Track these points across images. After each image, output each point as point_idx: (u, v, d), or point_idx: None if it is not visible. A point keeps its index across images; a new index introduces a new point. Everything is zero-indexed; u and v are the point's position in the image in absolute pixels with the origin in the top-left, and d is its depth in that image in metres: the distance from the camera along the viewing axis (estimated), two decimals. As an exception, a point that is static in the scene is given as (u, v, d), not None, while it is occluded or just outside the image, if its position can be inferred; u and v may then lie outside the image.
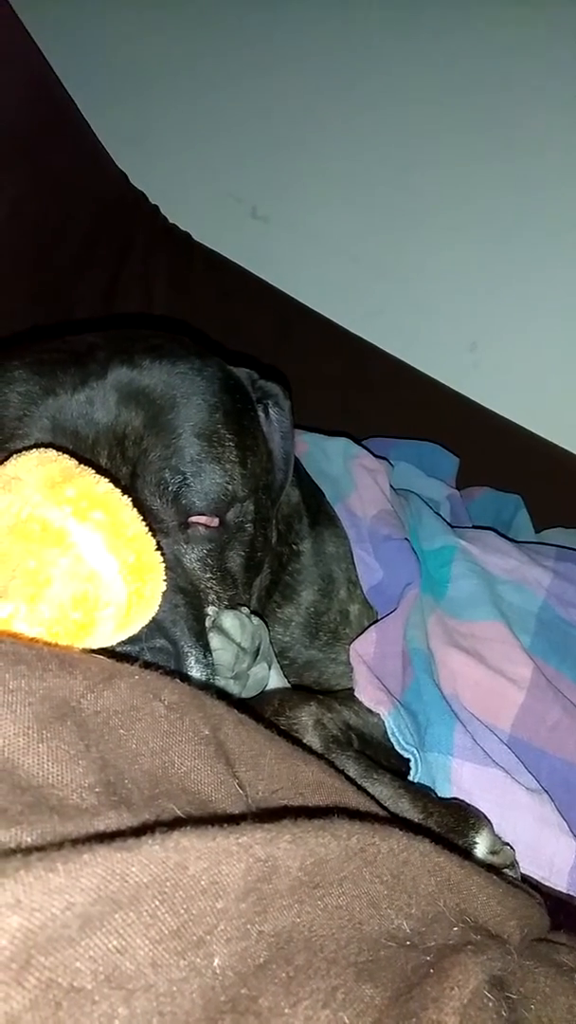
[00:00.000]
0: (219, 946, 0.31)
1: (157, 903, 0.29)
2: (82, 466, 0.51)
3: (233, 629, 0.66)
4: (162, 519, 0.64)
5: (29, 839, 0.31)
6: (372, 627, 0.80)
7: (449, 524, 1.02)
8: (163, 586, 0.52)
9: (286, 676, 0.78)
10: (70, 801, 0.34)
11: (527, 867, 0.67)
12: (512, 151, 1.39)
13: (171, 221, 1.51)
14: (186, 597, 0.63)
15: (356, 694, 0.74)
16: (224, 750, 0.44)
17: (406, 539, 0.90)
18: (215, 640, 0.64)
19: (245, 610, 0.69)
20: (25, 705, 0.37)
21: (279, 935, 0.33)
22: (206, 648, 0.62)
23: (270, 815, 0.41)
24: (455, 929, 0.41)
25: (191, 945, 0.30)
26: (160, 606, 0.53)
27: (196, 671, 0.60)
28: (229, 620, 0.66)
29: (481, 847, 0.64)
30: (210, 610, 0.66)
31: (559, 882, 0.67)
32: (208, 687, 0.60)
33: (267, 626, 0.75)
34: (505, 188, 1.40)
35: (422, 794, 0.67)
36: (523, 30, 1.35)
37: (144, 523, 0.51)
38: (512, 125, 1.39)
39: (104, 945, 0.27)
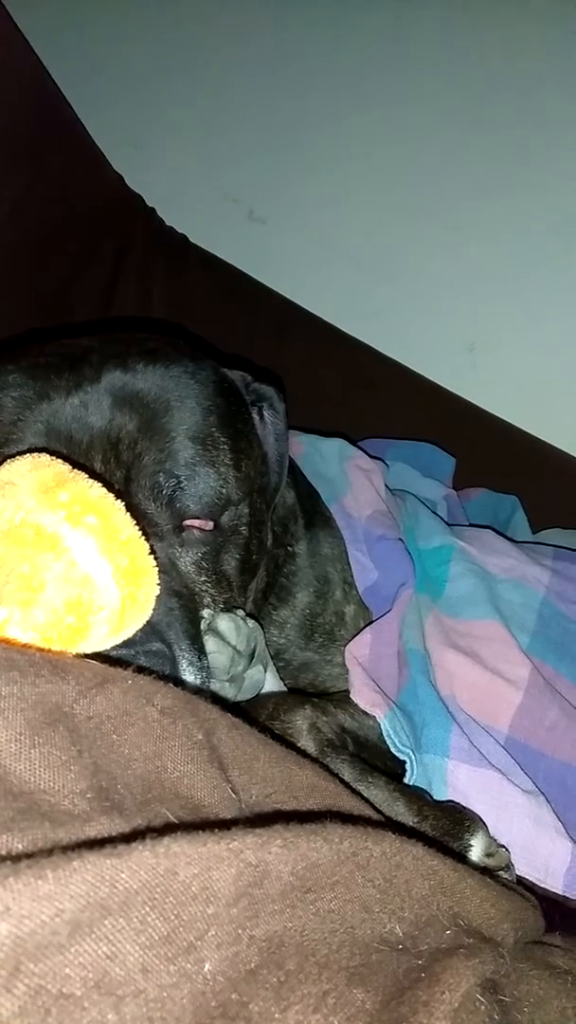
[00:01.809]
0: (210, 951, 0.31)
1: (147, 909, 0.29)
2: (75, 470, 0.51)
3: (228, 632, 0.66)
4: (156, 523, 0.64)
5: (20, 845, 0.31)
6: (367, 628, 0.81)
7: (447, 523, 1.02)
8: (157, 590, 0.52)
9: (281, 678, 0.78)
10: (62, 807, 0.34)
11: (522, 869, 0.67)
12: (510, 152, 1.39)
13: (168, 223, 1.51)
14: (181, 600, 0.63)
15: (351, 696, 0.75)
16: (217, 754, 0.44)
17: (400, 539, 0.90)
18: (210, 643, 0.64)
19: (240, 613, 0.69)
20: (17, 711, 0.37)
21: (270, 940, 0.33)
22: (201, 651, 0.62)
23: (263, 819, 0.41)
24: (448, 932, 0.41)
25: (181, 951, 0.30)
26: (155, 610, 0.53)
27: (191, 674, 0.60)
28: (224, 623, 0.66)
29: (476, 850, 0.64)
30: (205, 613, 0.66)
31: (554, 884, 0.67)
32: (203, 691, 0.60)
33: (262, 628, 0.75)
34: (503, 190, 1.41)
35: (417, 797, 0.67)
36: (522, 31, 1.35)
37: (138, 527, 0.51)
38: (509, 127, 1.39)
39: (94, 951, 0.27)
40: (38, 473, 0.50)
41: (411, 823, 0.64)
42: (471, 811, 0.68)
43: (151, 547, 0.52)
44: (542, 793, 0.72)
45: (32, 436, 0.62)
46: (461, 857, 0.62)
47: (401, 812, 0.65)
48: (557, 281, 1.39)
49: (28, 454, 0.53)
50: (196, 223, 1.52)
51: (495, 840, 0.66)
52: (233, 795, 0.42)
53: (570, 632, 0.89)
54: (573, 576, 0.96)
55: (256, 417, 0.78)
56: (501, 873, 0.64)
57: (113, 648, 0.52)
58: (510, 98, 1.38)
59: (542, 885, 0.67)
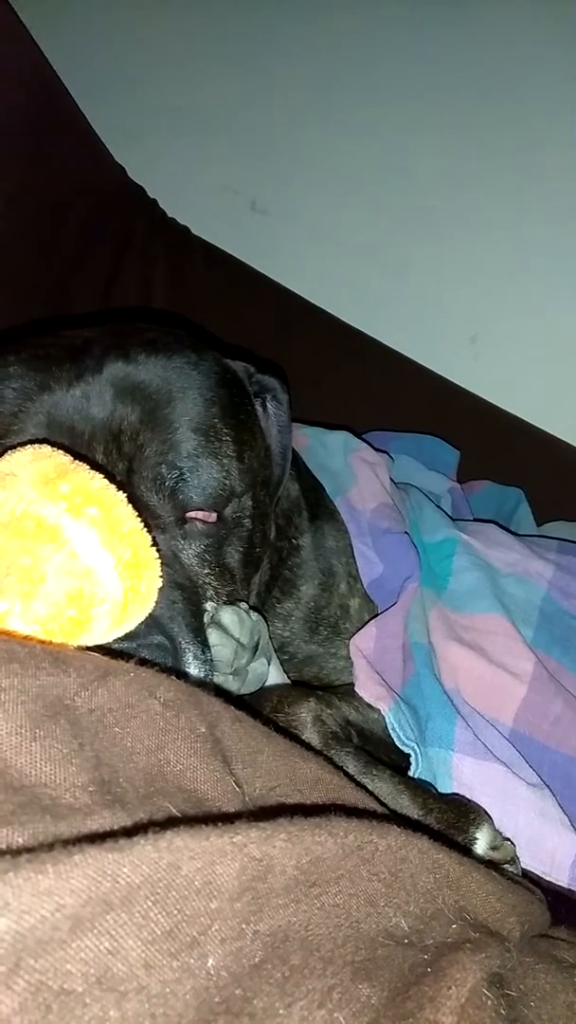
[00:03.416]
0: (213, 946, 0.30)
1: (150, 904, 0.29)
2: (77, 462, 0.51)
3: (232, 625, 0.65)
4: (159, 515, 0.63)
5: (21, 839, 0.30)
6: (372, 621, 0.80)
7: (450, 517, 1.02)
8: (159, 582, 0.52)
9: (285, 671, 0.78)
10: (63, 800, 0.34)
11: (528, 862, 0.66)
12: (512, 142, 1.38)
13: (170, 215, 1.51)
14: (184, 593, 0.62)
15: (356, 689, 0.74)
16: (221, 747, 0.44)
17: (406, 532, 0.90)
18: (213, 636, 0.63)
19: (244, 605, 0.68)
20: (18, 704, 0.36)
21: (275, 935, 0.33)
22: (204, 644, 0.62)
23: (267, 813, 0.41)
24: (454, 927, 0.41)
25: (184, 946, 0.29)
26: (157, 602, 0.53)
27: (194, 667, 0.59)
28: (228, 616, 0.65)
29: (481, 843, 0.63)
30: (208, 606, 0.66)
31: (560, 877, 0.66)
32: (206, 684, 0.60)
33: (266, 621, 0.74)
34: (505, 180, 1.39)
35: (422, 790, 0.67)
36: (524, 22, 1.34)
37: (140, 519, 0.51)
38: (512, 117, 1.37)
39: (95, 947, 0.27)
40: (39, 464, 0.50)
41: (416, 816, 0.64)
42: (476, 804, 0.67)
43: (153, 539, 0.51)
44: (547, 786, 0.71)
45: (33, 427, 0.62)
46: (466, 850, 0.62)
47: (406, 805, 0.64)
48: (559, 272, 1.38)
49: (29, 445, 0.52)
50: (198, 214, 1.51)
51: (500, 833, 0.66)
52: (237, 788, 0.42)
53: (573, 628, 0.89)
54: (576, 570, 0.96)
55: (259, 409, 0.78)
56: (507, 866, 0.63)
57: (115, 641, 0.51)
58: (512, 89, 1.37)
59: (548, 878, 0.66)
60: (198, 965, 0.29)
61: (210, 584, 0.66)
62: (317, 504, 0.91)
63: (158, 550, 0.51)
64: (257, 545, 0.73)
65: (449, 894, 0.42)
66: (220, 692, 0.59)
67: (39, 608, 0.45)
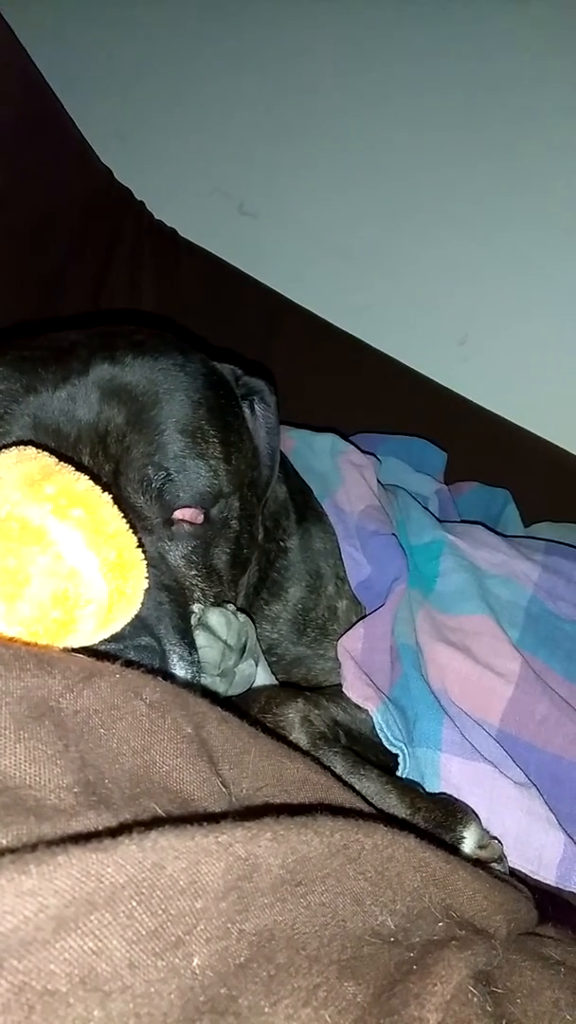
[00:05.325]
0: (198, 946, 0.30)
1: (134, 904, 0.29)
2: (62, 463, 0.51)
3: (219, 626, 0.65)
4: (146, 516, 0.63)
5: (4, 841, 0.30)
6: (360, 623, 0.80)
7: (437, 519, 1.02)
8: (145, 583, 0.52)
9: (274, 673, 0.78)
10: (48, 802, 0.34)
11: (515, 861, 0.67)
12: (502, 146, 1.39)
13: (158, 217, 1.51)
14: (171, 595, 0.62)
15: (344, 690, 0.74)
16: (207, 748, 0.44)
17: (393, 534, 0.90)
18: (201, 638, 0.63)
19: (231, 607, 0.68)
20: (2, 705, 0.36)
21: (260, 934, 0.33)
22: (191, 646, 0.62)
23: (253, 813, 0.41)
24: (440, 925, 0.41)
25: (169, 945, 0.29)
26: (144, 604, 0.53)
27: (181, 669, 0.59)
28: (215, 617, 0.65)
29: (469, 842, 0.64)
30: (196, 607, 0.66)
31: (547, 875, 0.67)
32: (193, 685, 0.60)
33: (254, 623, 0.74)
34: (495, 182, 1.40)
35: (409, 789, 0.67)
36: (517, 26, 1.35)
37: (127, 520, 0.51)
38: (502, 120, 1.38)
39: (79, 947, 0.27)
40: (24, 466, 0.50)
41: (403, 815, 0.64)
42: (464, 803, 0.68)
43: (140, 541, 0.51)
44: (534, 785, 0.72)
45: (19, 430, 0.62)
46: (454, 849, 0.62)
47: (393, 804, 0.64)
48: (548, 275, 1.39)
49: (14, 447, 0.52)
50: (186, 216, 1.51)
51: (488, 832, 0.66)
52: (223, 789, 0.42)
53: (559, 628, 0.89)
54: (563, 571, 0.96)
55: (247, 411, 0.78)
56: (494, 865, 0.64)
57: (101, 643, 0.51)
58: (501, 90, 1.38)
59: (535, 877, 0.67)
60: (183, 964, 0.29)
61: (197, 585, 0.66)
62: (305, 506, 0.91)
63: (144, 551, 0.51)
64: (244, 547, 0.73)
65: (435, 892, 0.42)
66: (207, 693, 0.59)
67: (24, 609, 0.45)
